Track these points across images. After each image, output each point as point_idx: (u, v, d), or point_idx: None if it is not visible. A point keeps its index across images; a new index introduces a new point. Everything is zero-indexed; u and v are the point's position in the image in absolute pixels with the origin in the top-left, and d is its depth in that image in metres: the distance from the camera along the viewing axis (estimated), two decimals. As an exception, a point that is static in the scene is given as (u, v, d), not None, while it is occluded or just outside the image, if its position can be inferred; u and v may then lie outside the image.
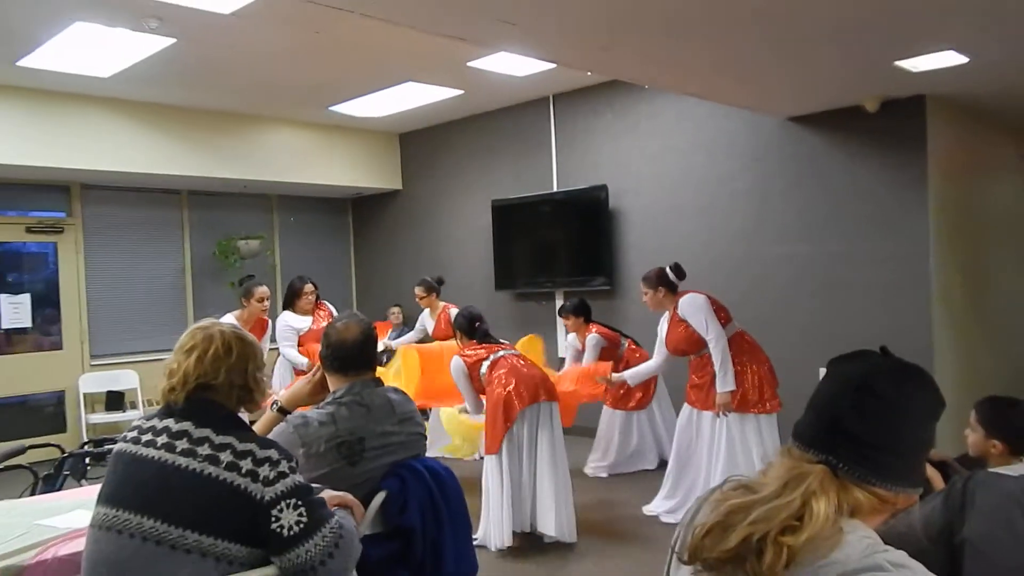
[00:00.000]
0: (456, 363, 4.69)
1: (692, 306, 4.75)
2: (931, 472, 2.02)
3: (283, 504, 1.85)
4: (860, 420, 1.17)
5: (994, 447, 2.40)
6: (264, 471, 1.86)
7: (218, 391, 1.99)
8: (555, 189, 7.72)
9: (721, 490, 1.23)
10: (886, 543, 1.11)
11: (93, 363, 7.76)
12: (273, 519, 1.84)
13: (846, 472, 1.16)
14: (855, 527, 1.12)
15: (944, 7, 4.00)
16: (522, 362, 4.57)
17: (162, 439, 1.91)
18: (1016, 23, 4.34)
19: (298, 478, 1.92)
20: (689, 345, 4.79)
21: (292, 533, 1.84)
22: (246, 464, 1.86)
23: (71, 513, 2.60)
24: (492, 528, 4.42)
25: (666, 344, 4.95)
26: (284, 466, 1.89)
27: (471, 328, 4.80)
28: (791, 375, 6.24)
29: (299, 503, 1.87)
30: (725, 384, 4.66)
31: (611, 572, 4.20)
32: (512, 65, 6.28)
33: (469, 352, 4.70)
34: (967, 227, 6.47)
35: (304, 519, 1.86)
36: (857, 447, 1.16)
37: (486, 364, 4.58)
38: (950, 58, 4.86)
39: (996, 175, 7.40)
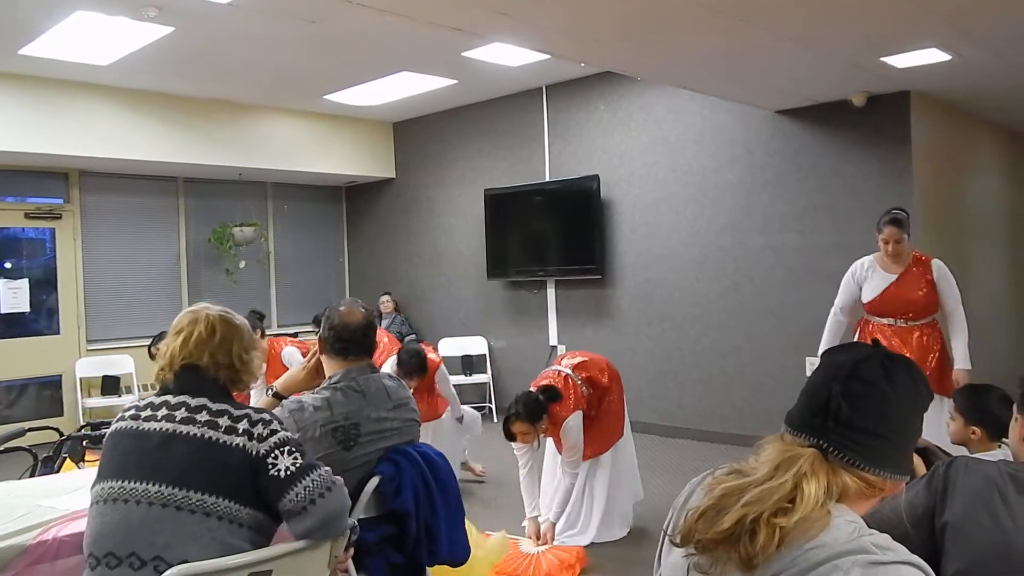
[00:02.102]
0: (577, 423, 4.18)
1: (947, 271, 4.51)
2: (914, 459, 2.04)
3: (277, 452, 1.95)
4: (850, 405, 1.19)
5: (974, 434, 2.47)
6: (258, 430, 1.97)
7: (204, 371, 2.07)
8: (547, 179, 7.78)
9: (713, 475, 1.25)
10: (871, 528, 1.14)
11: (89, 348, 7.80)
12: (270, 466, 1.94)
13: (836, 456, 1.18)
14: (842, 511, 1.15)
15: (924, 7, 4.10)
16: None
17: (162, 412, 1.99)
18: (992, 25, 4.44)
19: (289, 434, 2.02)
20: (911, 308, 4.50)
21: (288, 473, 1.94)
22: (243, 425, 1.96)
23: (72, 494, 2.60)
24: (616, 514, 4.40)
25: (882, 300, 4.54)
26: (276, 425, 2.01)
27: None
28: (776, 363, 6.38)
29: (292, 450, 1.98)
30: (967, 361, 4.39)
31: (607, 558, 4.24)
32: (506, 56, 6.31)
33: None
34: (949, 220, 6.58)
35: (299, 461, 1.96)
36: (846, 432, 1.19)
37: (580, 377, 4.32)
38: (933, 55, 4.96)
39: (978, 170, 7.51)
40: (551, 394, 4.17)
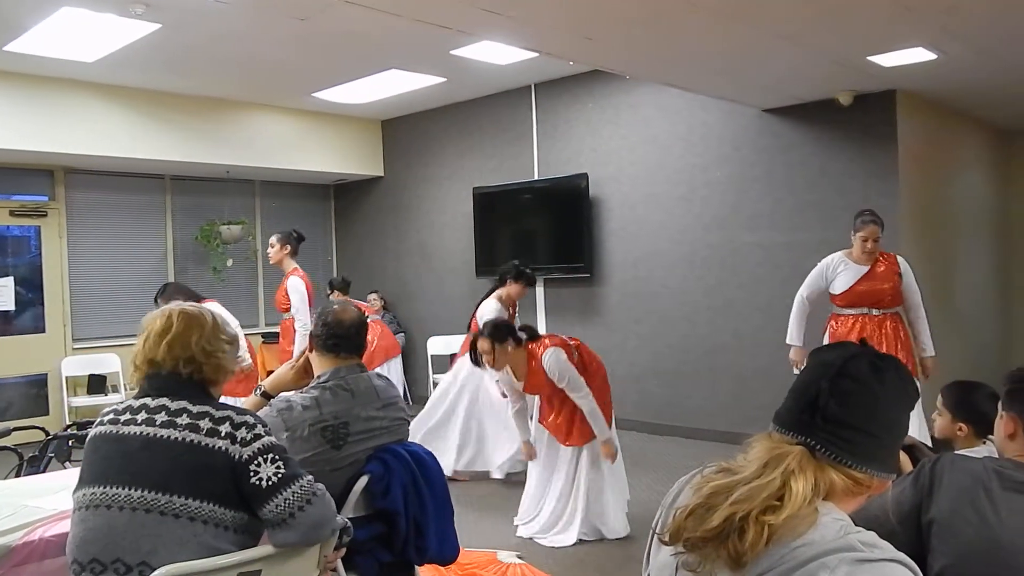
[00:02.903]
0: (557, 355, 4.17)
1: (909, 266, 4.86)
2: (900, 456, 2.10)
3: (260, 459, 1.93)
4: (837, 403, 1.20)
5: (960, 430, 2.46)
6: (241, 433, 1.94)
7: (161, 365, 2.03)
8: (536, 177, 7.78)
9: (702, 473, 1.26)
10: (858, 525, 1.14)
11: (75, 346, 7.75)
12: (252, 473, 1.91)
13: (823, 453, 1.19)
14: (829, 509, 1.15)
15: (910, 6, 4.12)
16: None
17: (142, 416, 1.96)
18: (978, 23, 4.47)
19: (273, 439, 1.99)
20: (882, 298, 4.79)
21: (271, 484, 1.91)
22: (225, 428, 1.93)
23: (58, 494, 2.58)
24: (613, 514, 4.41)
25: (854, 292, 4.80)
26: (260, 429, 1.97)
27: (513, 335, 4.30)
28: (764, 360, 6.41)
29: (276, 458, 1.95)
30: (932, 348, 4.82)
31: (594, 556, 4.26)
32: (495, 54, 6.30)
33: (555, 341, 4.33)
34: (935, 217, 6.62)
35: (282, 471, 1.94)
36: (834, 428, 1.20)
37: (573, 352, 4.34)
38: (919, 54, 5.00)
39: (963, 167, 7.56)
40: (531, 332, 4.31)
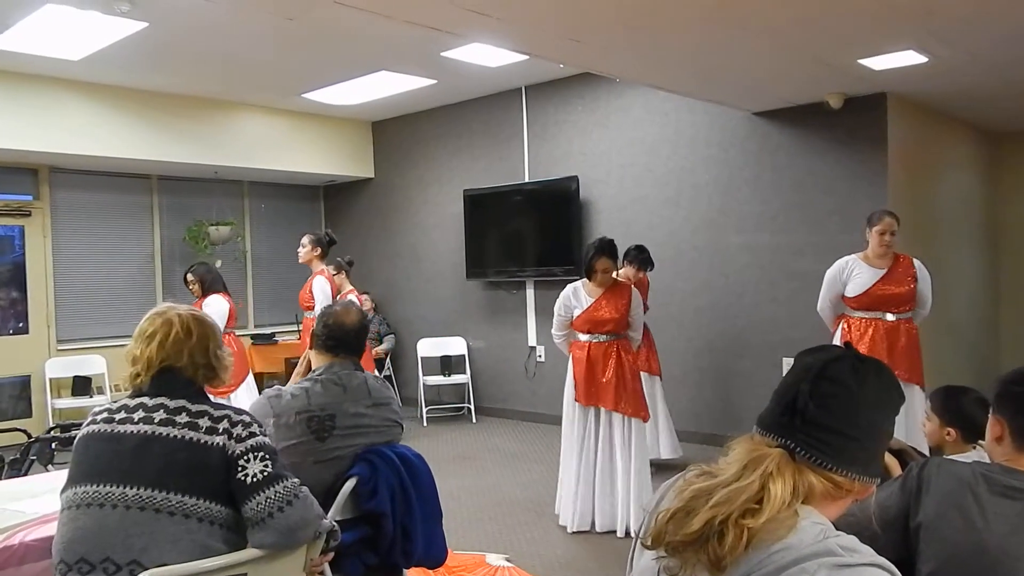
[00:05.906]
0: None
1: (927, 273, 4.79)
2: (889, 460, 2.03)
3: (250, 455, 1.95)
4: (817, 405, 1.20)
5: (948, 435, 2.46)
6: (237, 431, 1.97)
7: (183, 371, 2.06)
8: (526, 179, 7.77)
9: (684, 477, 1.25)
10: (839, 529, 1.14)
11: (60, 348, 7.68)
12: (240, 468, 1.93)
13: (803, 456, 1.18)
14: (808, 512, 1.14)
15: (900, 10, 4.13)
16: None
17: (139, 414, 1.97)
18: (960, 26, 4.48)
19: (266, 440, 2.03)
20: (900, 302, 4.70)
21: (255, 480, 1.93)
22: (223, 425, 1.97)
23: (40, 498, 2.57)
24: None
25: (870, 295, 4.68)
26: (255, 428, 2.01)
27: None
28: (751, 362, 6.41)
29: (265, 456, 1.97)
30: None
31: (589, 558, 4.27)
32: (485, 56, 6.30)
33: None
34: (925, 221, 6.64)
35: (268, 470, 1.96)
36: (813, 431, 1.19)
37: None
38: (910, 58, 5.00)
39: (953, 170, 7.58)
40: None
